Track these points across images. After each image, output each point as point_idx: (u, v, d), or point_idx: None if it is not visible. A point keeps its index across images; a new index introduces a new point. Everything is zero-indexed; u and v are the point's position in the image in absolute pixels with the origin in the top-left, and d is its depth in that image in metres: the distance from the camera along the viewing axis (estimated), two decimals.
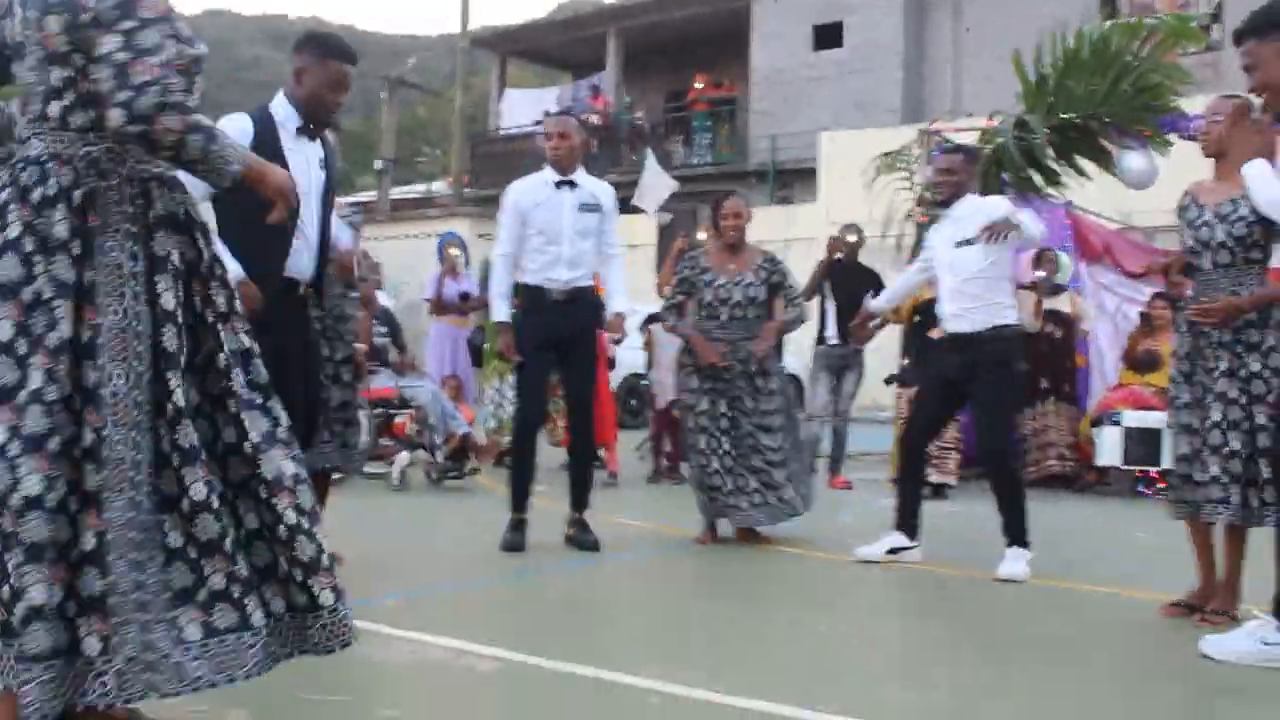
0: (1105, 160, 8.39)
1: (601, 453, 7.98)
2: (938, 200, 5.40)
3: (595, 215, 5.39)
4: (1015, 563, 4.96)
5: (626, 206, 14.34)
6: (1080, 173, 8.41)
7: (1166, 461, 7.87)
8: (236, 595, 2.28)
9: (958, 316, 5.16)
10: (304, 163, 3.85)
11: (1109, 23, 8.54)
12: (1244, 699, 3.28)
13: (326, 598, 2.37)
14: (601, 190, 5.52)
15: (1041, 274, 8.70)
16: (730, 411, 5.60)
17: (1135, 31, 8.17)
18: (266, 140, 3.74)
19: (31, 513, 2.11)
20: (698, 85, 23.91)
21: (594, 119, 23.29)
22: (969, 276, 5.11)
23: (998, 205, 5.16)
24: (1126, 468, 8.00)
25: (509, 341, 5.34)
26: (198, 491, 2.26)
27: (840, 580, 4.99)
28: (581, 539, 5.42)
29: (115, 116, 2.19)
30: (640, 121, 23.89)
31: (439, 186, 27.95)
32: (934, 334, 6.40)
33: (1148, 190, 8.56)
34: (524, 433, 5.50)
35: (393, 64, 28.68)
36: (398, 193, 26.29)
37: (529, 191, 5.36)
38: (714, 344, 5.60)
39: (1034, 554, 5.00)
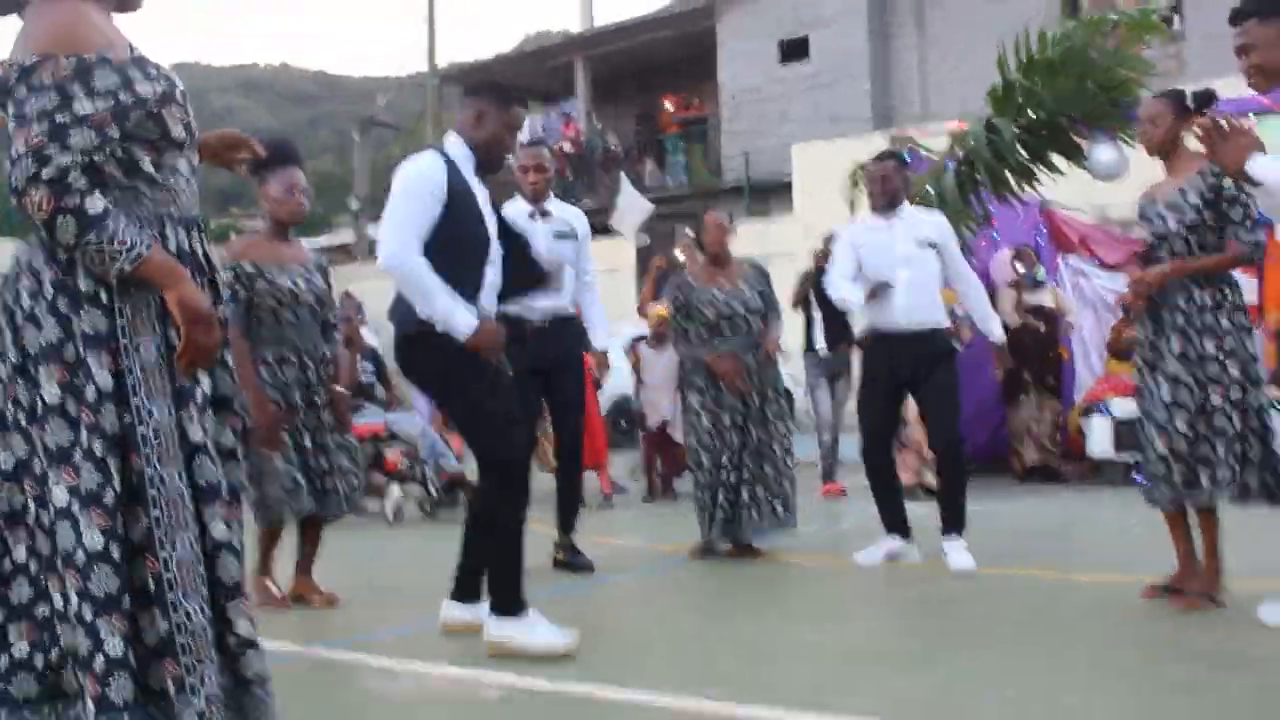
0: (1076, 154, 8.45)
1: (594, 475, 7.99)
2: (875, 208, 5.46)
3: (571, 243, 5.40)
4: (963, 553, 5.12)
5: (604, 230, 14.39)
6: (1052, 169, 8.47)
7: (1103, 449, 7.97)
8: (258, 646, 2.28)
9: (908, 313, 5.26)
10: (483, 201, 3.90)
11: (1071, 22, 8.57)
12: (1250, 671, 3.30)
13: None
14: (574, 217, 5.54)
15: (1021, 269, 8.77)
16: (736, 423, 5.56)
17: (1099, 27, 8.24)
18: (455, 178, 3.79)
19: (99, 565, 2.08)
20: (668, 107, 24.02)
21: (567, 146, 23.36)
22: (929, 275, 5.28)
23: (941, 222, 5.54)
24: (1119, 457, 8.03)
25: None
26: (219, 530, 2.24)
27: (841, 586, 5.00)
28: (574, 562, 5.41)
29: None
30: (613, 146, 23.97)
31: None
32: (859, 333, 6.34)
33: (1120, 182, 8.62)
34: None
35: (364, 105, 28.78)
36: (375, 231, 26.31)
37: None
38: (723, 358, 5.56)
39: (1032, 546, 5.02)
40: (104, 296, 2.17)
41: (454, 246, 3.75)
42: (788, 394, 6.41)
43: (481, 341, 3.72)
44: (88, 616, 2.08)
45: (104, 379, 2.14)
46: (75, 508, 2.10)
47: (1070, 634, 3.88)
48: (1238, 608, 4.06)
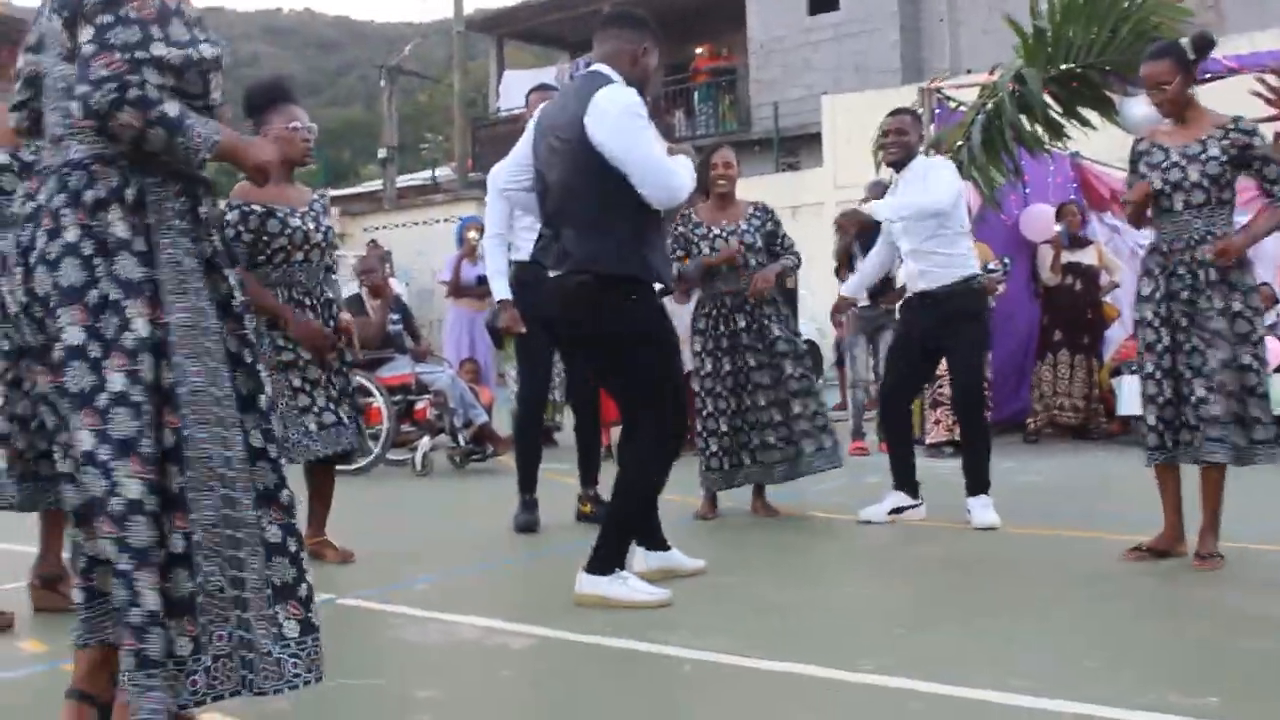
0: (1107, 109, 8.33)
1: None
2: (889, 162, 5.41)
3: None
4: (988, 510, 5.13)
5: None
6: (1085, 123, 8.35)
7: (1132, 408, 7.93)
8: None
9: (922, 275, 5.26)
10: None
11: None
12: (1268, 634, 3.31)
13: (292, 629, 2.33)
14: None
15: (1059, 228, 8.68)
16: (736, 367, 5.50)
17: None
18: None
19: (135, 517, 2.10)
20: (700, 53, 23.79)
21: None
22: (929, 235, 5.21)
23: (943, 168, 5.38)
24: None
25: (513, 315, 5.24)
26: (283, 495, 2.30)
27: (857, 542, 5.02)
28: (600, 515, 5.43)
29: (74, 109, 2.17)
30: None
31: (444, 172, 27.92)
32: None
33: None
34: (528, 413, 5.51)
35: (390, 53, 28.63)
36: (403, 181, 26.28)
37: (515, 175, 5.26)
38: (717, 296, 5.50)
39: (1059, 505, 5.02)
40: (140, 244, 2.19)
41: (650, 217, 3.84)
42: (811, 344, 6.40)
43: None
44: (125, 568, 2.11)
45: (142, 327, 2.15)
46: (104, 454, 2.10)
47: (1096, 594, 3.89)
48: (1269, 570, 4.07)
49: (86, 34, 2.16)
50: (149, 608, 2.10)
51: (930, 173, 5.26)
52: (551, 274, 3.89)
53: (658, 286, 3.95)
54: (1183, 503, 4.33)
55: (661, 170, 3.71)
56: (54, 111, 2.30)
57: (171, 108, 2.17)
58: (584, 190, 3.77)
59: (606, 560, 3.83)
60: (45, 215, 2.20)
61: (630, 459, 3.94)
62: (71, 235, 2.17)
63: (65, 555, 3.72)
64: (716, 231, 5.53)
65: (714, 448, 5.54)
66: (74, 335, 2.14)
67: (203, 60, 2.24)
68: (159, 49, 2.17)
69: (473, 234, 9.79)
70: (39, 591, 3.82)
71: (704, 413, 5.60)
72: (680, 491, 6.31)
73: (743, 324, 5.49)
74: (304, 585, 2.31)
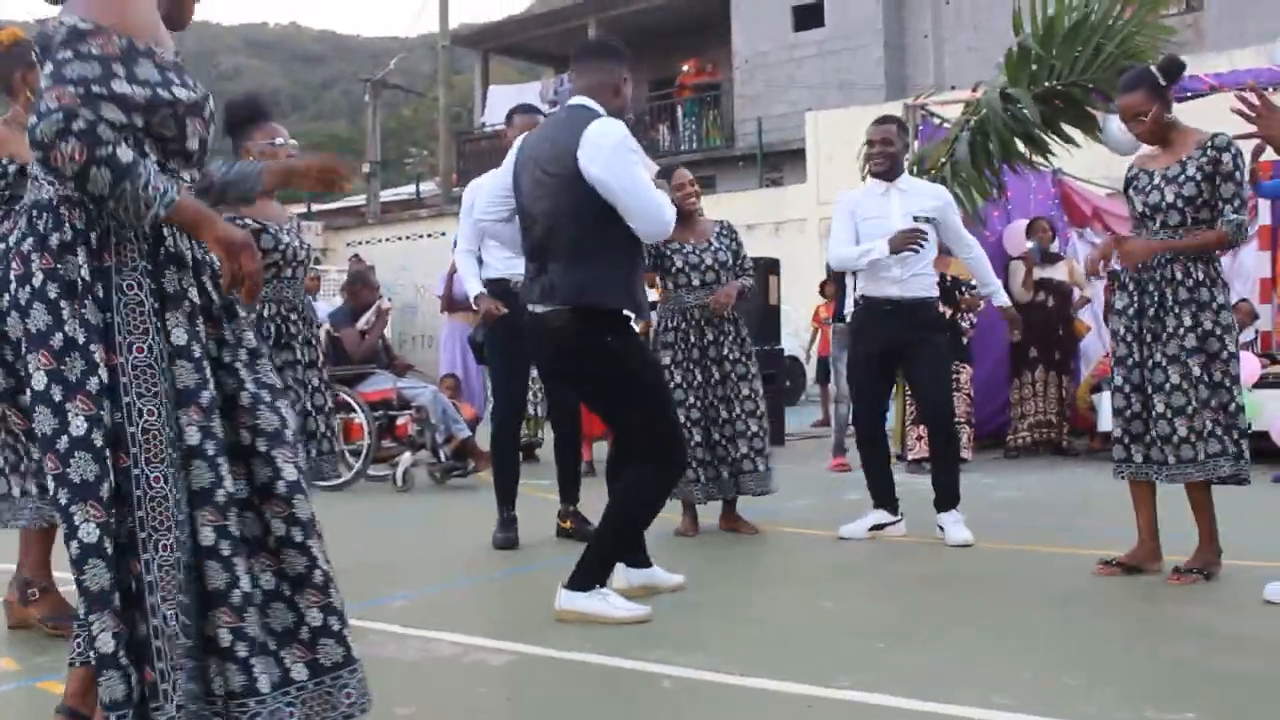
0: (1090, 126, 8.38)
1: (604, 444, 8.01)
2: (874, 173, 5.44)
3: None
4: (959, 526, 5.17)
5: None
6: (1068, 140, 8.40)
7: (1106, 423, 7.97)
8: (337, 629, 2.28)
9: (901, 283, 5.28)
10: None
11: None
12: (1254, 653, 3.32)
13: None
14: None
15: (1030, 244, 8.73)
16: (699, 381, 5.48)
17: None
18: None
19: (92, 560, 2.07)
20: (686, 70, 23.87)
21: None
22: (923, 252, 5.25)
23: (941, 193, 5.55)
24: None
25: (492, 303, 5.23)
26: (278, 528, 2.26)
27: (838, 559, 5.01)
28: (582, 530, 5.43)
29: (30, 151, 2.13)
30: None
31: (428, 187, 27.92)
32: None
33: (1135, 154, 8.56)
34: (504, 429, 5.51)
35: (375, 67, 28.65)
36: (387, 195, 26.30)
37: (495, 193, 5.21)
38: (686, 310, 5.48)
39: (1035, 521, 5.02)
40: (100, 290, 2.15)
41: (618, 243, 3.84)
42: (793, 360, 6.34)
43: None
44: (83, 610, 2.08)
45: (104, 373, 2.12)
46: (63, 498, 2.08)
47: (1075, 611, 3.90)
48: (1245, 587, 4.08)
49: (47, 68, 2.10)
50: (103, 650, 2.06)
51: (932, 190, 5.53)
52: (538, 309, 3.88)
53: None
54: (1157, 519, 4.36)
55: (654, 204, 3.74)
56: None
57: (125, 153, 2.08)
58: (573, 223, 3.78)
59: (588, 577, 3.82)
60: (15, 257, 2.18)
61: (629, 483, 3.92)
62: (38, 280, 2.14)
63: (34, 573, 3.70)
64: (689, 248, 5.53)
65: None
66: (39, 380, 2.12)
67: (175, 102, 2.18)
68: (121, 86, 2.10)
69: None
70: (15, 609, 3.78)
71: None
72: (672, 508, 6.30)
73: (710, 338, 5.50)
74: (304, 629, 2.26)
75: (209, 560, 2.17)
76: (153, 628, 2.10)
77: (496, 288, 5.33)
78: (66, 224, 2.16)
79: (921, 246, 5.26)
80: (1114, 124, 8.41)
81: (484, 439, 8.06)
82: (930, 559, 4.88)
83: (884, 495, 5.39)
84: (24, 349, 2.15)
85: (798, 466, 8.21)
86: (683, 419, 5.48)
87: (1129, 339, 4.26)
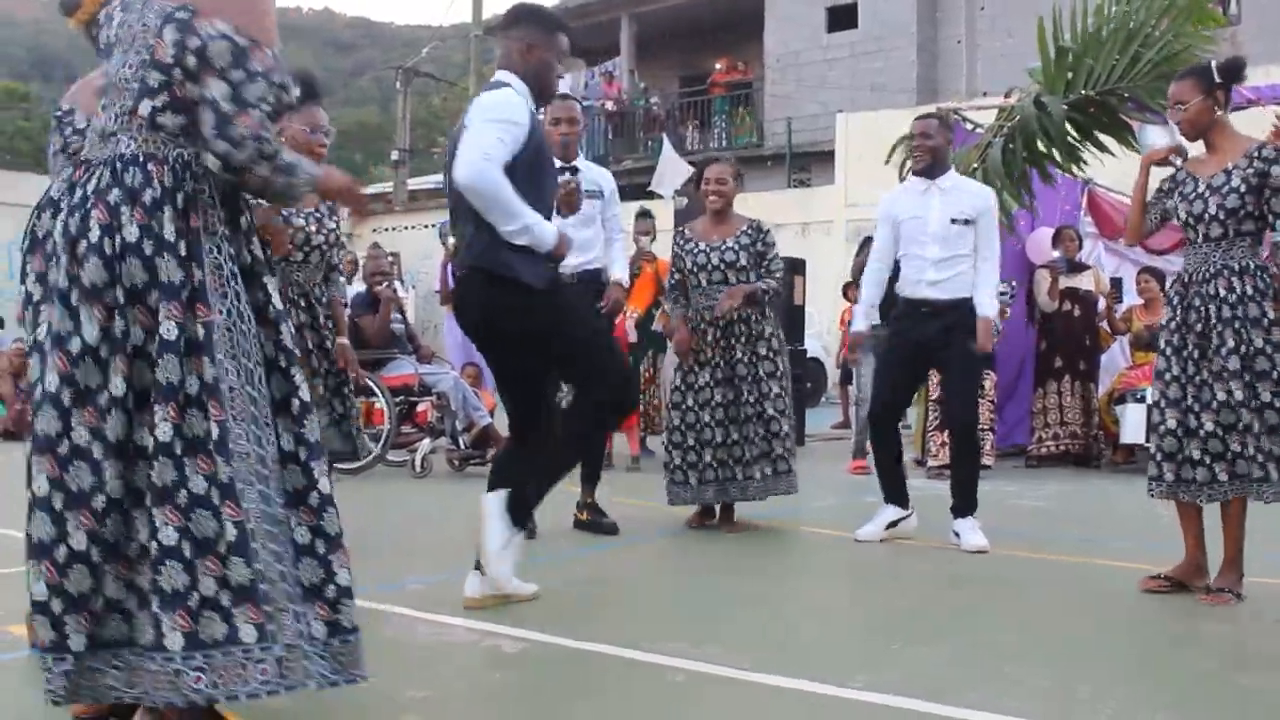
0: (1125, 136, 8.31)
1: (624, 437, 8.02)
2: (916, 170, 5.40)
3: (597, 202, 5.38)
4: (975, 532, 5.12)
5: (643, 192, 14.30)
6: (1101, 148, 8.32)
7: (1135, 436, 7.87)
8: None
9: (939, 284, 5.22)
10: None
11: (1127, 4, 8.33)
12: (1271, 671, 3.29)
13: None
14: (600, 175, 5.52)
15: (1057, 254, 8.66)
16: (711, 384, 5.48)
17: (1154, 6, 8.06)
18: (532, 116, 3.81)
19: (37, 512, 2.17)
20: (719, 67, 23.81)
21: (609, 105, 23.23)
22: (963, 252, 5.22)
23: (985, 196, 5.44)
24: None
25: None
26: (325, 486, 2.37)
27: (853, 559, 5.00)
28: (598, 522, 5.43)
29: (211, 161, 2.27)
30: (655, 107, 23.84)
31: None
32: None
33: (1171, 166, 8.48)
34: None
35: (406, 55, 28.71)
36: (414, 183, 26.33)
37: None
38: (697, 310, 5.48)
39: (1054, 530, 4.99)
40: (182, 248, 2.25)
41: (532, 178, 3.76)
42: (816, 362, 6.29)
43: (563, 250, 3.79)
44: (190, 553, 2.17)
45: (172, 329, 2.21)
46: (179, 449, 2.17)
47: (1087, 621, 3.87)
48: (1273, 604, 4.04)
49: (219, 88, 2.23)
50: (37, 597, 2.18)
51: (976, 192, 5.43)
52: (459, 273, 3.94)
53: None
54: (1204, 535, 4.23)
55: (473, 153, 3.64)
56: (111, 105, 2.34)
57: (287, 154, 2.34)
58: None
59: (518, 512, 3.82)
60: (98, 206, 2.23)
61: (570, 421, 3.97)
62: (132, 234, 2.22)
63: None
64: (704, 247, 5.52)
65: (677, 461, 5.53)
66: (169, 329, 2.20)
67: (290, 105, 2.39)
68: (273, 99, 2.29)
69: (452, 240, 9.76)
70: None
71: (670, 425, 5.58)
72: (647, 497, 6.31)
73: (721, 338, 5.48)
74: (331, 587, 2.36)
75: (329, 508, 2.39)
76: (257, 572, 2.20)
77: None
78: (155, 181, 2.25)
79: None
80: (1150, 133, 8.35)
81: (503, 426, 8.10)
82: (947, 563, 4.85)
83: (895, 490, 5.36)
84: (105, 298, 2.21)
85: (818, 467, 8.19)
86: (677, 422, 5.50)
87: (1169, 353, 4.12)
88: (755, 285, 5.45)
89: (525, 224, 3.66)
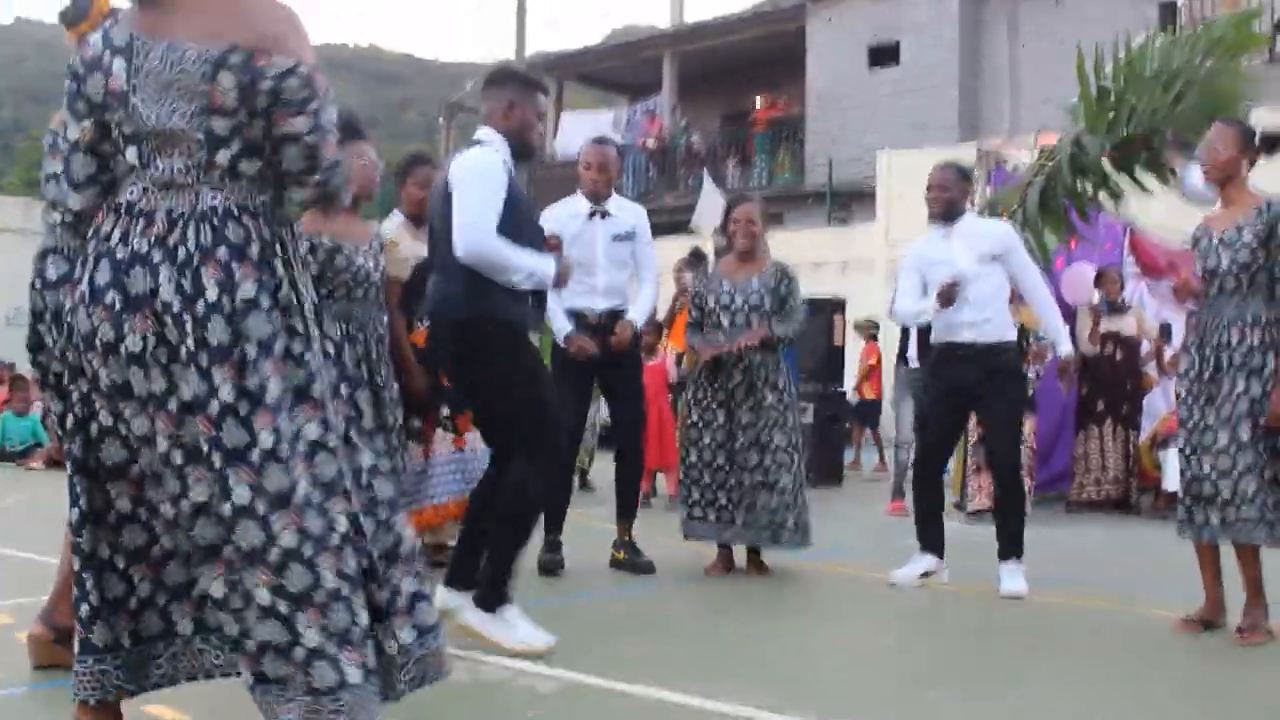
0: (1166, 175, 8.26)
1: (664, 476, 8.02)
2: (931, 215, 5.41)
3: (628, 244, 5.42)
4: (1017, 578, 5.08)
5: (683, 228, 14.29)
6: (1142, 188, 8.26)
7: (1176, 483, 7.76)
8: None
9: (976, 326, 5.20)
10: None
11: (1170, 39, 8.29)
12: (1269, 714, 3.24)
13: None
14: (633, 214, 5.54)
15: (1097, 296, 8.58)
16: (727, 423, 5.44)
17: (1197, 45, 8.02)
18: (508, 170, 3.94)
19: (347, 548, 2.28)
20: (760, 104, 23.89)
21: (650, 142, 23.34)
22: (995, 288, 5.22)
23: (1005, 231, 5.50)
24: None
25: (585, 341, 5.25)
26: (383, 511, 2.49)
27: (889, 604, 4.97)
28: (634, 561, 5.42)
29: (304, 195, 2.36)
30: (696, 144, 23.94)
31: None
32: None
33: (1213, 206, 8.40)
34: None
35: (451, 90, 29.01)
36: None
37: (561, 223, 5.23)
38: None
39: (1095, 575, 4.95)
40: (286, 293, 2.32)
41: (513, 231, 3.85)
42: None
43: (565, 276, 4.00)
44: (342, 591, 2.28)
45: (330, 375, 2.38)
46: (316, 497, 2.26)
47: (1126, 668, 3.83)
48: None
49: (304, 123, 2.28)
50: (362, 623, 2.30)
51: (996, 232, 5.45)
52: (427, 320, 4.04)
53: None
54: (1221, 573, 4.33)
55: (468, 225, 3.78)
56: (170, 156, 2.29)
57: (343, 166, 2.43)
58: (444, 240, 3.89)
59: (490, 597, 3.82)
60: (210, 264, 2.23)
61: (508, 487, 3.86)
62: (249, 290, 2.25)
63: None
64: (729, 287, 5.51)
65: (695, 496, 5.51)
66: (275, 386, 2.25)
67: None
68: (336, 119, 2.39)
69: None
70: (47, 647, 3.38)
71: (687, 461, 5.57)
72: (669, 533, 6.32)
73: (738, 380, 5.43)
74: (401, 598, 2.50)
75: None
76: (394, 588, 2.45)
77: (579, 321, 5.36)
78: (254, 233, 2.30)
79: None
80: (1192, 174, 8.29)
81: None
82: (984, 609, 4.82)
83: (932, 540, 5.31)
84: (234, 356, 2.23)
85: (856, 508, 8.15)
86: (694, 458, 5.49)
87: (1189, 401, 4.27)
88: (772, 330, 5.38)
89: (528, 272, 3.84)
